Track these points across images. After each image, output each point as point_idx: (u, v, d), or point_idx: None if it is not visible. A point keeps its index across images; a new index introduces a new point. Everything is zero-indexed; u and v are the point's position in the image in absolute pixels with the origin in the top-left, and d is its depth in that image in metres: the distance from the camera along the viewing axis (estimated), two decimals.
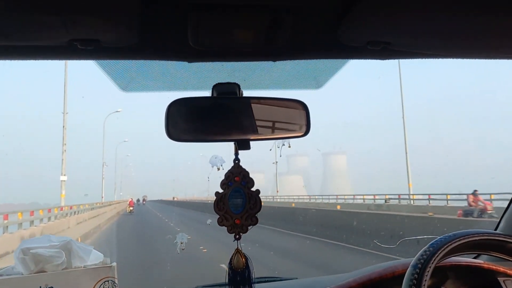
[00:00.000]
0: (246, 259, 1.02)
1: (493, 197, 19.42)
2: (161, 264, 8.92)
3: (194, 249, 10.37)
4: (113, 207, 40.82)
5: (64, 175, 26.42)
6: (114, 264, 1.32)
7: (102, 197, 40.86)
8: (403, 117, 28.63)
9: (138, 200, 66.16)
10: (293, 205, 31.86)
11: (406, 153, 27.51)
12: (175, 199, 76.21)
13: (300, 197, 45.37)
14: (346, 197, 34.63)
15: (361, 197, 32.86)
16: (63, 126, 26.92)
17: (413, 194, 26.74)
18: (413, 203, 24.89)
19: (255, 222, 1.01)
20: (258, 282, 1.56)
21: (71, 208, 24.60)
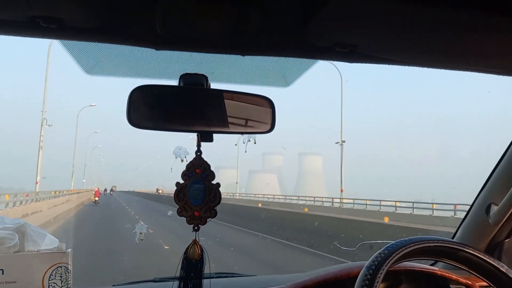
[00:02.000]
0: (202, 251, 1.02)
1: (457, 207, 20.00)
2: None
3: None
4: (65, 200, 25.95)
5: None
6: (69, 250, 1.30)
7: (37, 182, 23.97)
8: None
9: (105, 190, 61.07)
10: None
11: None
12: (161, 192, 56.35)
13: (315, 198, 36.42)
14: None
15: None
16: None
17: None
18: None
19: (213, 215, 1.01)
20: (217, 277, 1.56)
21: None
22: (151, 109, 0.98)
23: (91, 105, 45.38)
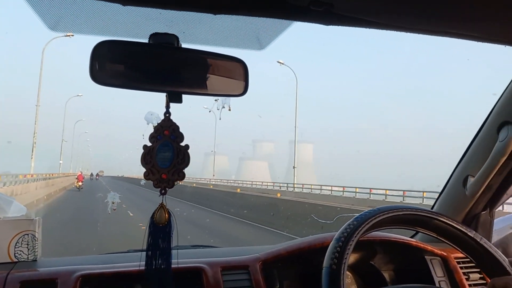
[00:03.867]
0: (170, 214, 0.99)
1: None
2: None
3: None
4: None
5: None
6: (38, 218, 1.26)
7: None
8: None
9: (91, 175, 58.86)
10: None
11: None
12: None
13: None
14: None
15: None
16: None
17: None
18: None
19: (182, 177, 0.98)
20: (193, 248, 1.55)
21: None
22: (117, 66, 0.95)
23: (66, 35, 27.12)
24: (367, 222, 1.06)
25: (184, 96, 1.03)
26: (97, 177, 57.70)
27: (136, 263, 1.22)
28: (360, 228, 1.04)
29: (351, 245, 1.02)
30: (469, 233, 1.11)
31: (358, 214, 1.09)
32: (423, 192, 21.64)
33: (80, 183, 30.48)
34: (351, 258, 1.36)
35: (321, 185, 33.71)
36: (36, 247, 1.23)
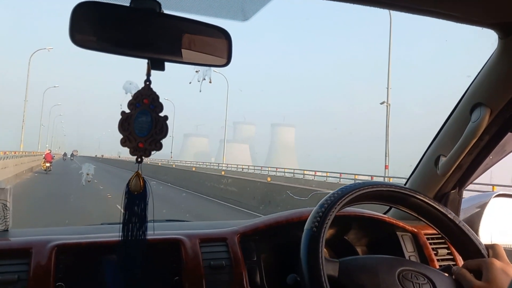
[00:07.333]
0: (145, 182, 0.99)
1: None
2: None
3: None
4: None
5: None
6: (8, 187, 1.24)
7: None
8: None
9: (65, 155, 55.91)
10: None
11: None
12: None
13: None
14: None
15: None
16: None
17: None
18: None
19: (159, 148, 0.98)
20: (168, 222, 1.55)
21: None
22: (98, 29, 0.92)
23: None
24: (350, 193, 1.07)
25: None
26: (71, 158, 55.41)
27: (111, 234, 1.22)
28: (343, 198, 1.06)
29: (333, 211, 1.03)
30: (448, 215, 1.13)
31: (342, 186, 1.11)
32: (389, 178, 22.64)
33: (48, 164, 25.12)
34: (327, 233, 1.39)
35: (294, 169, 36.20)
36: (8, 216, 1.21)
